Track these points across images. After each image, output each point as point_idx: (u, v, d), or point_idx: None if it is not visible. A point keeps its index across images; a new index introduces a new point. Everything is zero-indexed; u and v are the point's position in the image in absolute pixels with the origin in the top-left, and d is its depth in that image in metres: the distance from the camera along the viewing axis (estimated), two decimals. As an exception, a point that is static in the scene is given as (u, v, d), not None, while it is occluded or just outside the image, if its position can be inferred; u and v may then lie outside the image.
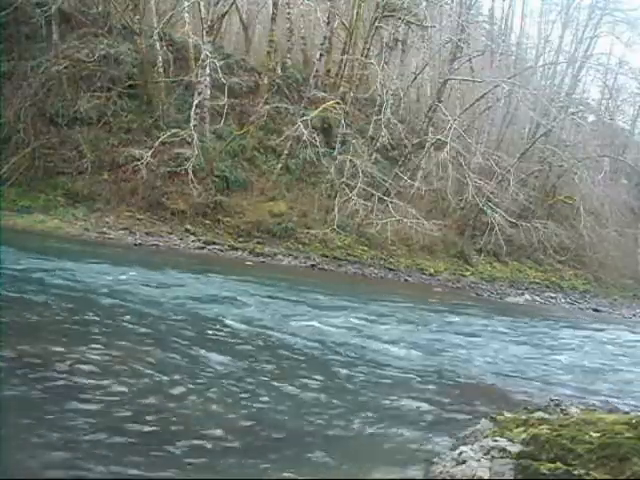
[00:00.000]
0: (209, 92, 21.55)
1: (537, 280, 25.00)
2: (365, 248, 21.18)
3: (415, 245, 22.01)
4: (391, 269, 20.62)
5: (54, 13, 20.35)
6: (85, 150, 20.19)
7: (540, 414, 3.75)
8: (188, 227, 19.63)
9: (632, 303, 25.03)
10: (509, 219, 23.47)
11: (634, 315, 21.06)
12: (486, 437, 3.23)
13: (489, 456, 2.84)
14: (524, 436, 3.01)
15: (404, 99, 24.66)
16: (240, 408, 4.63)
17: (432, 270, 21.64)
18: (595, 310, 20.64)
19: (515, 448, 2.88)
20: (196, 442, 3.87)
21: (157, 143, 19.59)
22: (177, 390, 4.82)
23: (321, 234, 20.41)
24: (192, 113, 20.26)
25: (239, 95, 22.52)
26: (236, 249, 18.97)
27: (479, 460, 2.80)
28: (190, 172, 19.33)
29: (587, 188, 26.51)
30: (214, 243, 18.95)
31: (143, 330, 6.76)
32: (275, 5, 24.02)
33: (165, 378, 5.04)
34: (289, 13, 24.56)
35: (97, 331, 6.39)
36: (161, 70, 21.98)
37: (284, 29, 25.03)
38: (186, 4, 22.15)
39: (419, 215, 21.24)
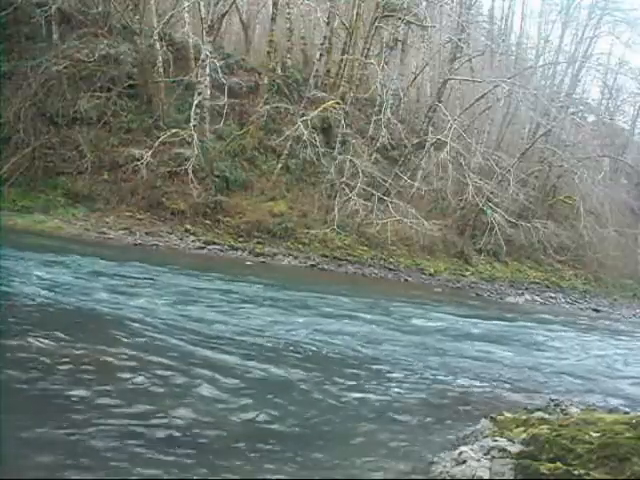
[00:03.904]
0: (209, 92, 21.55)
1: (537, 280, 24.99)
2: (365, 248, 21.17)
3: (415, 245, 22.00)
4: (391, 269, 20.62)
5: (54, 13, 20.35)
6: (85, 150, 20.18)
7: (540, 414, 3.75)
8: (188, 227, 19.63)
9: (632, 303, 25.03)
10: (509, 219, 23.46)
11: (634, 315, 21.07)
12: (486, 437, 3.23)
13: (489, 456, 2.84)
14: (524, 436, 3.01)
15: (404, 99, 24.65)
16: (242, 408, 4.63)
17: (432, 270, 21.64)
18: (595, 310, 20.63)
19: (515, 448, 2.87)
20: (199, 442, 3.88)
21: (157, 143, 19.58)
22: (178, 390, 4.82)
23: (321, 234, 20.41)
24: (192, 113, 20.26)
25: (239, 95, 22.50)
26: (236, 249, 18.97)
27: (479, 460, 2.80)
28: (190, 172, 19.33)
29: (587, 188, 26.49)
30: (214, 243, 18.95)
31: (142, 330, 6.76)
32: (275, 5, 24.02)
33: (164, 379, 5.04)
34: (289, 13, 24.54)
35: (96, 331, 6.39)
36: (161, 70, 21.97)
37: (284, 29, 25.02)
38: (186, 4, 22.14)
39: (419, 215, 21.25)
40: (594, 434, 2.75)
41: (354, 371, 6.36)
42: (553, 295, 22.60)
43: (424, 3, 24.81)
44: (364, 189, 21.01)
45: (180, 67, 22.59)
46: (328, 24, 24.26)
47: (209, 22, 21.95)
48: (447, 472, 2.80)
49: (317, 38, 26.46)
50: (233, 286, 11.71)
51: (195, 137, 19.72)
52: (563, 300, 22.03)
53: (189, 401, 4.62)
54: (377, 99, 22.85)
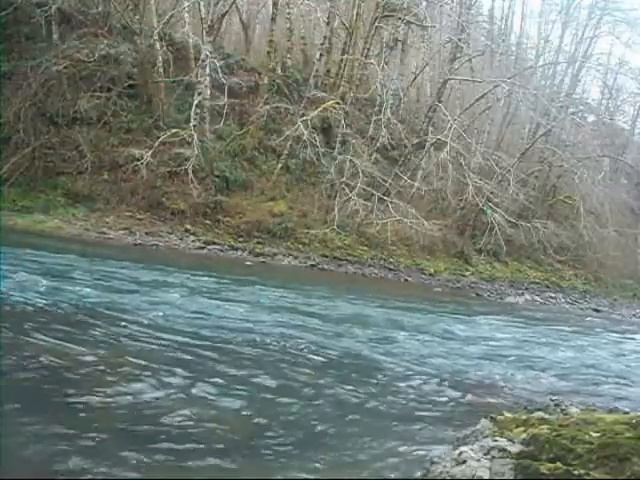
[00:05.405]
0: (209, 92, 21.55)
1: (537, 280, 24.99)
2: (365, 248, 21.17)
3: (415, 245, 22.01)
4: (391, 269, 20.62)
5: (54, 13, 20.37)
6: (85, 150, 20.19)
7: (540, 414, 3.74)
8: (188, 227, 19.64)
9: (632, 303, 25.03)
10: (509, 219, 23.46)
11: (634, 315, 21.06)
12: (486, 437, 3.22)
13: (489, 456, 2.83)
14: (524, 436, 3.00)
15: (404, 99, 24.65)
16: (244, 408, 4.63)
17: (432, 270, 21.63)
18: (595, 310, 20.63)
19: (515, 448, 2.87)
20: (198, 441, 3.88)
21: (157, 143, 19.59)
22: (179, 390, 4.82)
23: (321, 234, 20.42)
24: (192, 113, 20.27)
25: (239, 95, 22.51)
26: (236, 249, 18.98)
27: (479, 460, 2.79)
28: (190, 172, 19.34)
29: (587, 188, 26.50)
30: (214, 243, 18.96)
31: (140, 331, 6.76)
32: (275, 5, 24.02)
33: (163, 379, 5.04)
34: (289, 13, 24.54)
35: (95, 331, 6.40)
36: (161, 70, 21.98)
37: (284, 29, 25.02)
38: (186, 4, 22.14)
39: (419, 215, 21.25)
40: (594, 434, 2.74)
41: (353, 372, 6.37)
42: (553, 295, 22.60)
43: (424, 3, 24.82)
44: (364, 189, 21.01)
45: (180, 67, 22.59)
46: (328, 24, 24.26)
47: (209, 22, 21.95)
48: (447, 472, 2.79)
49: (317, 38, 26.46)
50: (232, 286, 11.71)
51: (195, 137, 19.73)
52: (563, 300, 22.02)
53: (190, 402, 4.62)
54: (377, 99, 22.86)
